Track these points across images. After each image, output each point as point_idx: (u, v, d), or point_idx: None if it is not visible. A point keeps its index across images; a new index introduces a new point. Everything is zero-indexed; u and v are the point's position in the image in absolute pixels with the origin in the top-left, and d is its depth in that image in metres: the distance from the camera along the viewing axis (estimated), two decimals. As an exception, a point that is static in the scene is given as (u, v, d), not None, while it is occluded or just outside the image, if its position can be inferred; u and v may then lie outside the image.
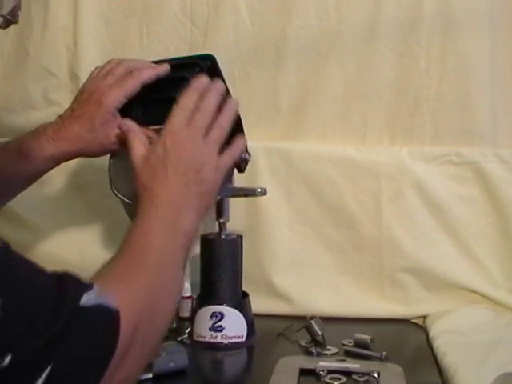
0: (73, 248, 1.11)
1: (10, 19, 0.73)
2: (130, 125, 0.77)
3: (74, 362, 0.47)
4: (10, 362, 0.43)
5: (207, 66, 0.83)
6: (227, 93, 0.81)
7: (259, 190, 0.93)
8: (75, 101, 0.83)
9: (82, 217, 1.12)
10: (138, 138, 0.74)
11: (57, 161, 0.83)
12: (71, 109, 0.83)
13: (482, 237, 1.05)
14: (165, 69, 0.82)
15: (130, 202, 0.86)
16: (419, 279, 1.04)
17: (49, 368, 0.45)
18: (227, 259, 0.94)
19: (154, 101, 0.81)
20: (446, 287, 1.04)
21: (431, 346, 0.89)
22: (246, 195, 0.96)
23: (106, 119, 0.79)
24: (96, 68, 0.86)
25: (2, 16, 0.72)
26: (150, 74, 0.81)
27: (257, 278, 1.05)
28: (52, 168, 0.84)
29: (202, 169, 0.70)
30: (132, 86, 0.80)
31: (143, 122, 0.80)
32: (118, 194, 0.89)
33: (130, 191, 0.85)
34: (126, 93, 0.80)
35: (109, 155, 0.87)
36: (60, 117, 0.83)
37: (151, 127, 0.80)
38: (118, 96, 0.79)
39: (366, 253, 1.06)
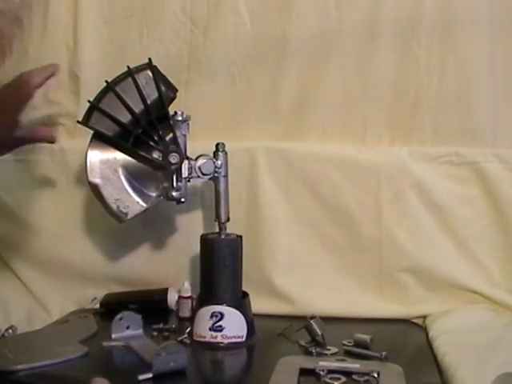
0: (73, 248, 1.11)
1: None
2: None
3: None
4: None
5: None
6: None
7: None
8: None
9: (82, 217, 1.12)
10: None
11: None
12: None
13: (482, 237, 1.05)
14: (52, 70, 0.90)
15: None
16: (419, 279, 1.04)
17: None
18: (227, 259, 0.94)
19: None
20: (446, 287, 1.04)
21: (431, 345, 0.89)
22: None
23: (10, 123, 0.88)
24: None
25: None
26: (39, 80, 0.88)
27: (257, 278, 1.05)
28: None
29: None
30: (27, 95, 0.88)
31: None
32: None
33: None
34: (23, 101, 0.88)
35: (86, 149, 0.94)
36: None
37: None
38: (19, 106, 0.88)
39: (365, 253, 1.06)
